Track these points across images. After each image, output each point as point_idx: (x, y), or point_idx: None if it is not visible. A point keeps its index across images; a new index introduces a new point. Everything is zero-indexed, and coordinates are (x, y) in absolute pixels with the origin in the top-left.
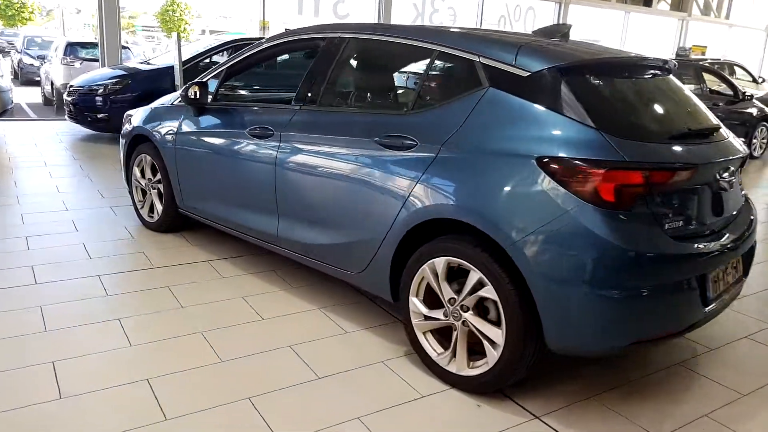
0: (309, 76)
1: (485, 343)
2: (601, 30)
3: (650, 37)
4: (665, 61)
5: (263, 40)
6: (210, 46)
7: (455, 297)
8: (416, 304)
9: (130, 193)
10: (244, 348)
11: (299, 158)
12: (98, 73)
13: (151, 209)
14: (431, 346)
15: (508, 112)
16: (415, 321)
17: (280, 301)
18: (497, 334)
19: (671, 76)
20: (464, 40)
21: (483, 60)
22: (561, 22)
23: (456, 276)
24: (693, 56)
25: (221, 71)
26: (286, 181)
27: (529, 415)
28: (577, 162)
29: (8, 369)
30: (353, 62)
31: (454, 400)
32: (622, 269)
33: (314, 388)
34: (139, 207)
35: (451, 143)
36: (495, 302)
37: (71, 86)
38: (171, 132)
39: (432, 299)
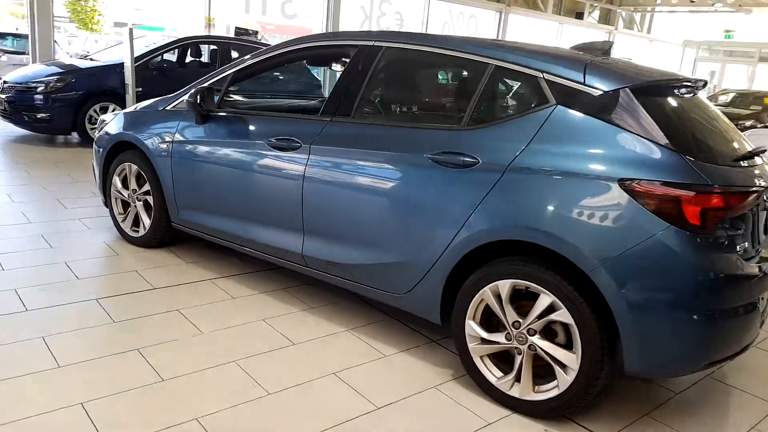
0: (340, 86)
1: (556, 367)
2: (538, 39)
3: None
4: (705, 82)
5: (281, 44)
6: (160, 44)
7: (520, 320)
8: (474, 327)
9: (107, 204)
10: (287, 378)
11: (334, 173)
12: (34, 69)
13: (136, 223)
14: (490, 371)
15: (581, 132)
16: (471, 345)
17: (305, 324)
18: (571, 359)
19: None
20: (525, 55)
21: (547, 76)
22: (501, 29)
23: (516, 298)
24: None
25: (227, 76)
26: (316, 197)
27: None
28: (665, 185)
29: (37, 413)
30: (393, 73)
31: (520, 425)
32: (708, 292)
33: (379, 420)
34: (119, 220)
35: (520, 162)
36: (564, 325)
37: (5, 82)
38: (165, 140)
39: (488, 322)
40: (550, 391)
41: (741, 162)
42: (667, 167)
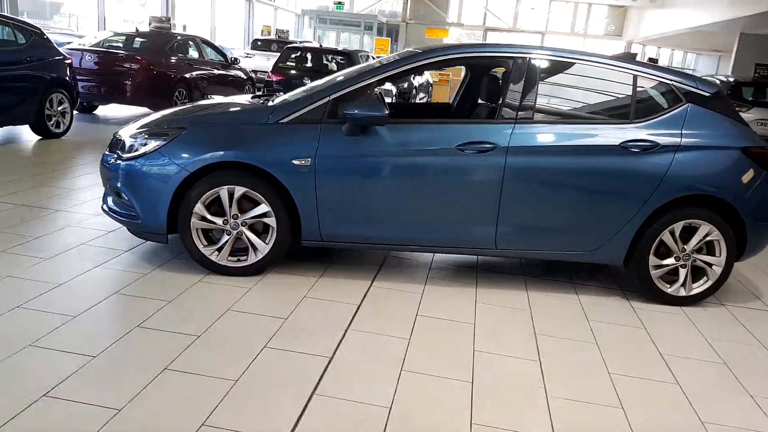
0: (513, 93)
1: (708, 268)
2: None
3: (232, 19)
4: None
5: (428, 52)
6: None
7: (684, 246)
8: (654, 259)
9: (163, 239)
10: None
11: (535, 168)
12: None
13: (238, 251)
14: (664, 286)
15: (708, 119)
16: (653, 272)
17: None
18: (720, 261)
19: None
20: (655, 68)
21: (675, 84)
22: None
23: None
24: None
25: (371, 84)
26: (517, 191)
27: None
28: (760, 148)
29: None
30: (557, 80)
31: (690, 310)
32: None
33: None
34: (207, 254)
35: (683, 142)
36: (712, 242)
37: None
38: (303, 155)
39: (658, 254)
40: (704, 285)
41: None
42: (753, 138)
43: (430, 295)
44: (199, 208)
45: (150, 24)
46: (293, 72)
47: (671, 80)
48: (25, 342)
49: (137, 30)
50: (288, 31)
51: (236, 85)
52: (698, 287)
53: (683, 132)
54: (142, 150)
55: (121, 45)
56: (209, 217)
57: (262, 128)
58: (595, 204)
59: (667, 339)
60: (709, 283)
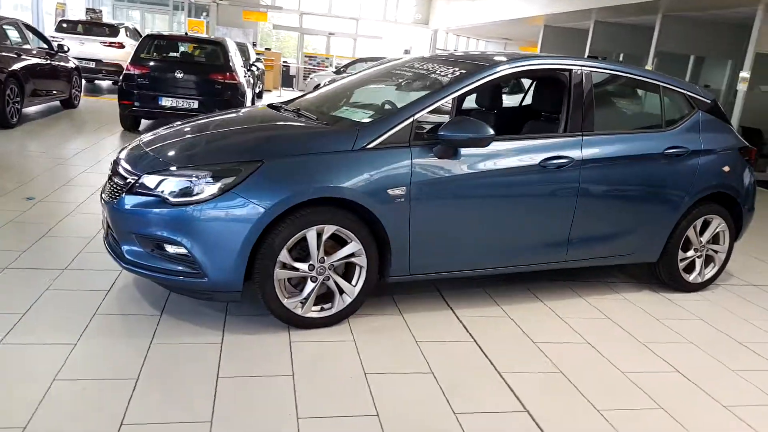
0: (575, 105)
1: (714, 256)
2: None
3: None
4: None
5: (493, 65)
6: None
7: (701, 239)
8: (680, 253)
9: (229, 297)
10: None
11: (603, 179)
12: None
13: (319, 299)
14: (686, 276)
15: (714, 125)
16: (680, 264)
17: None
18: (724, 248)
19: None
20: (673, 79)
21: (688, 93)
22: None
23: None
24: None
25: (452, 100)
26: (588, 203)
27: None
28: (749, 148)
29: None
30: (606, 92)
31: (713, 295)
32: (754, 194)
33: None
34: (291, 307)
35: (704, 147)
36: (718, 232)
37: None
38: (398, 183)
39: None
40: (713, 270)
41: None
42: (741, 139)
43: (476, 322)
44: (284, 255)
45: None
46: (157, 63)
47: (684, 90)
48: None
49: None
50: (101, 11)
51: (66, 77)
52: (709, 273)
53: (700, 136)
54: (208, 192)
55: None
56: (294, 264)
57: (351, 156)
58: (646, 208)
59: (726, 326)
60: (716, 268)
